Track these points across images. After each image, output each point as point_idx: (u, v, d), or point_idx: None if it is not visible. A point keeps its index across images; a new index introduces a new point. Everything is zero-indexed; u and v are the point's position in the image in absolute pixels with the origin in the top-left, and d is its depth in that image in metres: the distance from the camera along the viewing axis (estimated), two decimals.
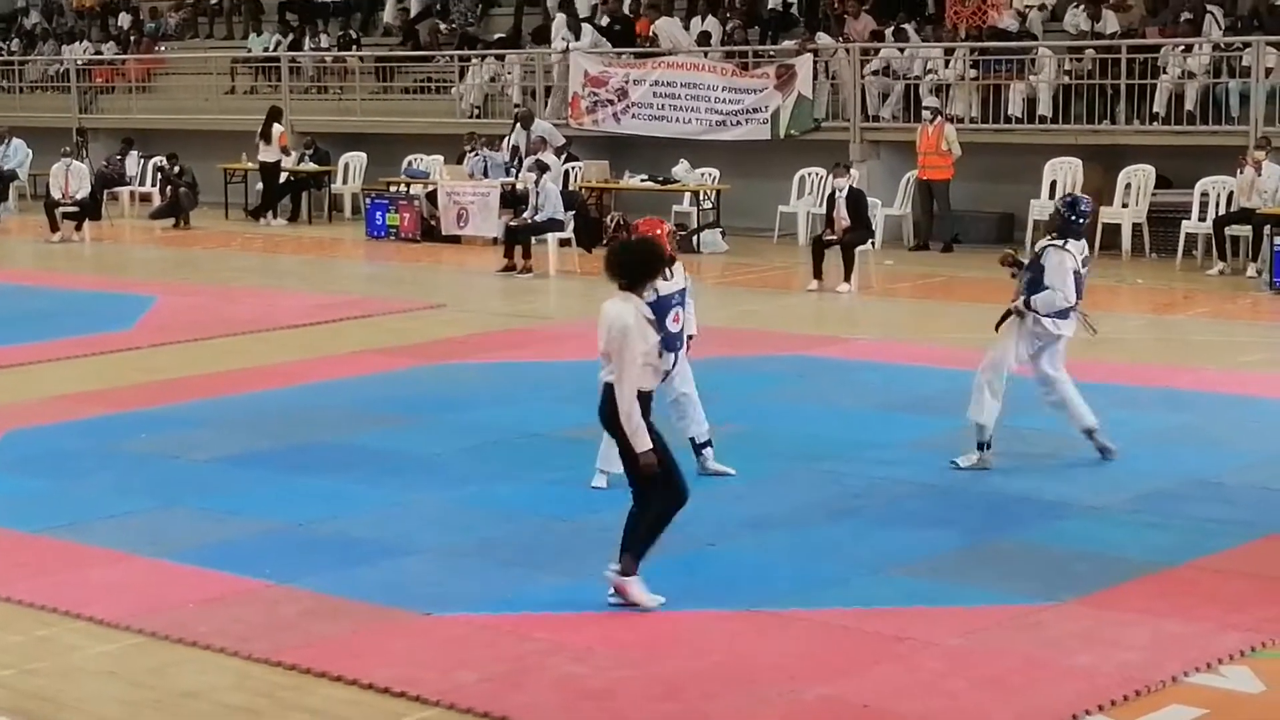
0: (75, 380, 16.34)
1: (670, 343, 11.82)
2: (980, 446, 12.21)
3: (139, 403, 15.24)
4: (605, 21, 30.44)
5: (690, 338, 12.08)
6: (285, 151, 30.56)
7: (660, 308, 11.71)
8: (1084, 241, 12.25)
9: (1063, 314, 12.14)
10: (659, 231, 11.88)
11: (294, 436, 13.74)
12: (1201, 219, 22.76)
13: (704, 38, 28.80)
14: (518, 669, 8.50)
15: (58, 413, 14.88)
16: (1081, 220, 12.13)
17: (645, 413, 9.29)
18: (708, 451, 12.13)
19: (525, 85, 30.26)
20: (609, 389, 9.29)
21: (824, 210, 22.24)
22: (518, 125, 27.79)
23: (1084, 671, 8.32)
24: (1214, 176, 22.81)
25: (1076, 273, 12.05)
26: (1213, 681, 8.23)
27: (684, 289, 11.95)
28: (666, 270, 11.79)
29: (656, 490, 9.36)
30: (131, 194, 32.62)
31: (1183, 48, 24.31)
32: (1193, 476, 12.01)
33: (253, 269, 24.89)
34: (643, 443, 9.20)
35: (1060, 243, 12.12)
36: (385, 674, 8.42)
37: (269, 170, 30.58)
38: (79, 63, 37.75)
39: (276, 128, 30.37)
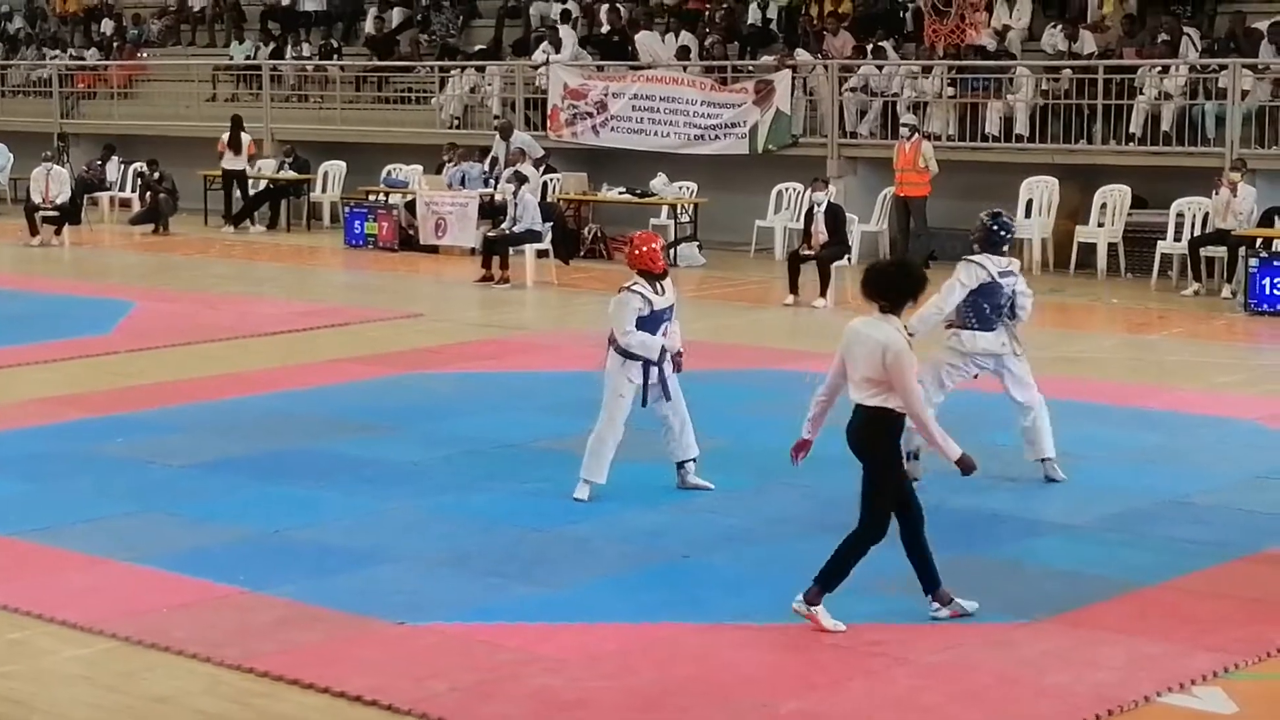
0: (52, 384, 16.32)
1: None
2: (908, 456, 12.16)
3: (116, 408, 15.21)
4: (605, 30, 30.45)
5: (679, 354, 12.07)
6: (252, 160, 30.74)
7: (652, 322, 11.74)
8: (1007, 259, 12.25)
9: (980, 326, 12.09)
10: (654, 246, 11.91)
11: (270, 443, 13.73)
12: (1177, 239, 22.83)
13: (683, 52, 28.85)
14: (491, 679, 8.50)
15: (35, 416, 14.85)
16: (1004, 232, 12.24)
17: (898, 433, 9.26)
18: (689, 466, 12.14)
19: (505, 96, 30.29)
20: (869, 413, 9.13)
21: (801, 225, 22.28)
22: (497, 136, 27.86)
23: (1058, 690, 8.34)
24: (1190, 197, 22.89)
25: (991, 286, 12.04)
26: (1186, 702, 8.25)
27: (673, 305, 11.99)
28: (659, 285, 11.84)
29: (894, 516, 9.28)
30: (111, 199, 32.59)
31: (1159, 69, 24.41)
32: (1167, 497, 12.05)
33: (231, 276, 24.86)
34: (954, 448, 9.18)
35: (974, 256, 12.24)
36: (358, 682, 8.41)
37: (238, 178, 30.74)
38: (61, 68, 37.69)
39: (245, 136, 30.50)
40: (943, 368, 12.27)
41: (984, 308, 12.09)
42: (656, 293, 11.81)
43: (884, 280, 9.30)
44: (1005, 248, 12.29)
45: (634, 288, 11.79)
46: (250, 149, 30.54)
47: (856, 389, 9.22)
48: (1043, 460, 12.38)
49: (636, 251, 11.91)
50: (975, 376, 12.41)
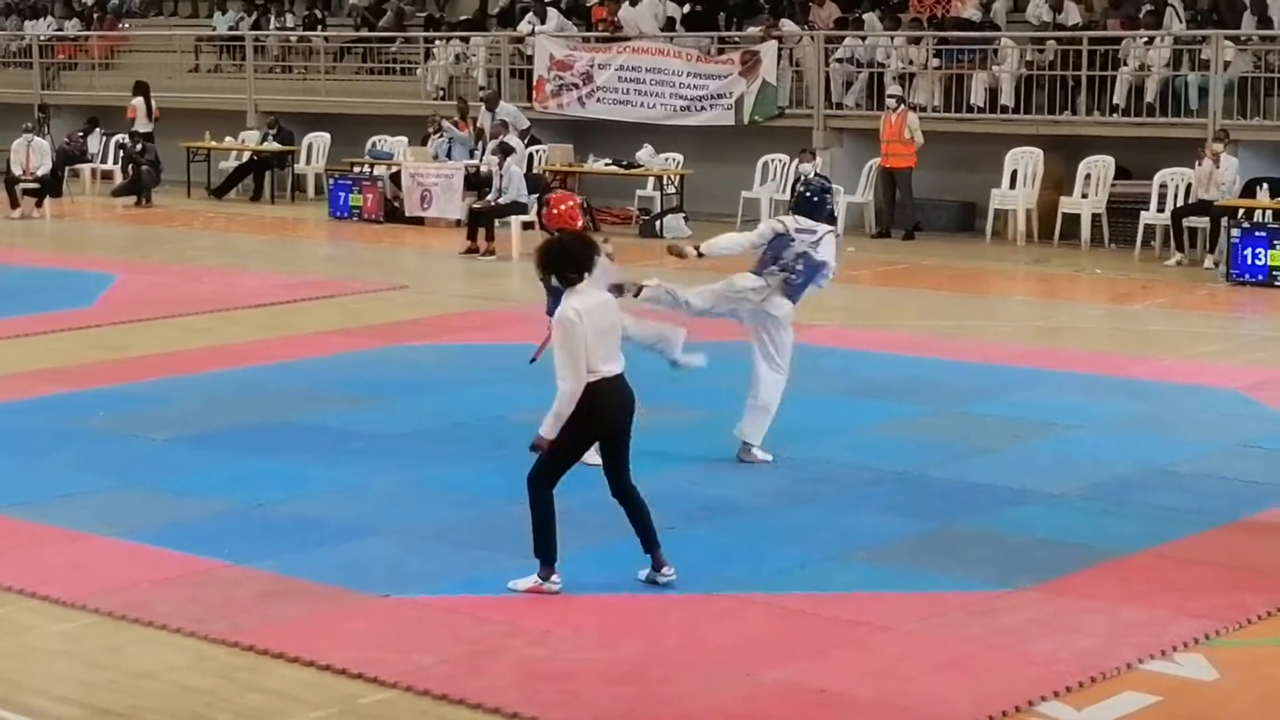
0: (34, 358, 16.27)
1: None
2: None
3: (98, 381, 15.18)
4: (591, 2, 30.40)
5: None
6: (156, 124, 31.80)
7: None
8: (813, 222, 12.23)
9: (756, 269, 12.26)
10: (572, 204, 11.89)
11: (254, 416, 13.71)
12: (1160, 210, 22.86)
13: (669, 23, 28.79)
14: (477, 651, 8.51)
15: (16, 390, 14.82)
16: (813, 197, 12.39)
17: None
18: None
19: (490, 67, 30.23)
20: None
21: (787, 196, 22.26)
22: (483, 107, 27.82)
23: (1041, 657, 8.37)
24: (1173, 168, 22.92)
25: (783, 238, 12.14)
26: (1168, 669, 8.29)
27: None
28: None
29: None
30: (93, 171, 32.50)
31: (1143, 40, 24.41)
32: (1149, 465, 12.08)
33: (214, 248, 24.80)
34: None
35: (784, 216, 12.71)
36: (343, 655, 8.42)
37: (147, 139, 31.53)
38: (42, 38, 37.55)
39: (152, 102, 31.64)
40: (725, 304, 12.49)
41: (768, 256, 12.20)
42: None
43: (563, 255, 9.32)
44: (816, 213, 12.32)
45: None
46: (156, 114, 31.67)
47: (616, 361, 9.30)
48: (744, 443, 12.21)
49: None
50: (733, 312, 12.44)
